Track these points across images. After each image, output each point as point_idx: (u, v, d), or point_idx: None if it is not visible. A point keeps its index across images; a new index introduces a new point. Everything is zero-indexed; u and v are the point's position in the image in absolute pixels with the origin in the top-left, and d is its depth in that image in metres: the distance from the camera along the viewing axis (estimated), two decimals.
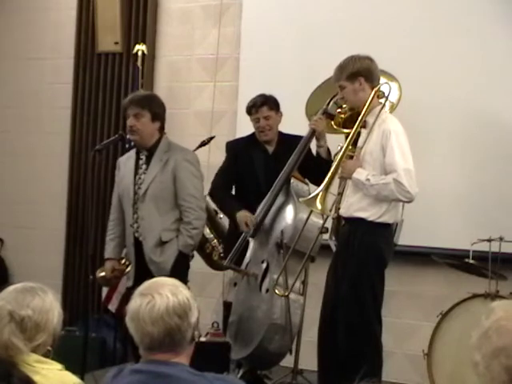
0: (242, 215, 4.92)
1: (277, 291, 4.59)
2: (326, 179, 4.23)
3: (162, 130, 4.80)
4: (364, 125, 4.29)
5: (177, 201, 4.68)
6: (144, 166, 4.76)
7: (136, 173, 4.77)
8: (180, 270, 4.62)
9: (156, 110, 4.73)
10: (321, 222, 4.65)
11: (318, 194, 4.18)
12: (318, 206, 4.18)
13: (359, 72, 4.27)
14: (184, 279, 4.69)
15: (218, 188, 5.16)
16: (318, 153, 4.94)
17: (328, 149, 4.92)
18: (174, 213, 4.70)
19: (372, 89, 4.30)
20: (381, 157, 4.21)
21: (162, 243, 4.66)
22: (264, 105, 5.04)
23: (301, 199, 4.43)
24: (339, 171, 4.28)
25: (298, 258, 4.69)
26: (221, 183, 5.16)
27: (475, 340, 1.69)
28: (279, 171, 4.88)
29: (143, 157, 4.77)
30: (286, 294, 4.60)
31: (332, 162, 4.91)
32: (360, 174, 4.21)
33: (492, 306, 1.72)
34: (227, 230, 5.39)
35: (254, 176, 5.08)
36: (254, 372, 4.92)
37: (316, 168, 4.82)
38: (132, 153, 4.91)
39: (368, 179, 4.18)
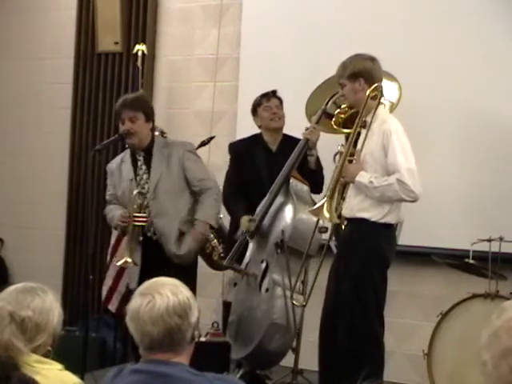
0: (244, 221, 4.97)
1: (294, 302, 4.59)
2: (331, 186, 4.22)
3: (153, 129, 4.89)
4: (364, 124, 4.28)
5: (185, 193, 4.78)
6: (144, 167, 4.79)
7: (137, 174, 4.79)
8: (196, 257, 4.92)
9: (148, 110, 4.82)
10: (320, 221, 4.65)
11: (324, 203, 4.16)
12: (326, 214, 4.15)
13: (360, 73, 4.27)
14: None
15: (229, 198, 5.16)
16: (307, 161, 4.96)
17: (317, 158, 4.96)
18: (186, 204, 4.81)
19: None
20: (382, 157, 4.20)
21: (181, 235, 4.75)
22: (275, 96, 5.16)
23: (308, 209, 4.42)
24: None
25: (300, 259, 4.71)
26: (231, 193, 5.17)
27: (485, 339, 1.68)
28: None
29: (141, 158, 4.80)
30: (304, 303, 4.62)
31: (320, 170, 4.96)
32: (363, 177, 4.20)
33: (504, 306, 1.71)
34: (228, 230, 5.40)
35: (257, 175, 5.09)
36: (254, 372, 4.92)
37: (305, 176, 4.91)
38: (124, 156, 4.93)
39: (371, 182, 4.17)
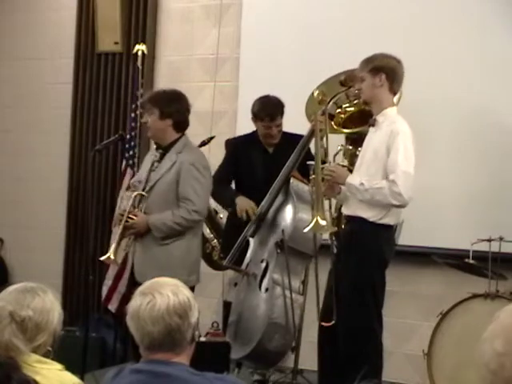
0: (244, 201, 4.92)
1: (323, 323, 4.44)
2: (316, 200, 4.20)
3: (179, 128, 4.73)
4: (373, 123, 4.27)
5: (173, 206, 4.60)
6: (156, 164, 4.75)
7: (151, 170, 4.77)
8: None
9: (164, 107, 4.66)
10: None
11: (316, 219, 4.14)
12: (323, 223, 4.15)
13: (383, 68, 4.24)
14: None
15: (215, 182, 5.13)
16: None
17: (325, 150, 4.92)
18: None
19: (391, 90, 4.28)
20: (385, 157, 4.18)
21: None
22: (278, 114, 5.05)
23: (306, 229, 4.37)
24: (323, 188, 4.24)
25: (301, 259, 4.71)
26: (217, 177, 5.13)
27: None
28: (279, 171, 4.87)
29: (158, 154, 4.77)
30: (333, 321, 4.36)
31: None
32: (353, 179, 4.19)
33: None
34: (224, 227, 5.39)
35: (252, 176, 5.09)
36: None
37: None
38: (155, 151, 4.90)
39: (362, 183, 4.16)
